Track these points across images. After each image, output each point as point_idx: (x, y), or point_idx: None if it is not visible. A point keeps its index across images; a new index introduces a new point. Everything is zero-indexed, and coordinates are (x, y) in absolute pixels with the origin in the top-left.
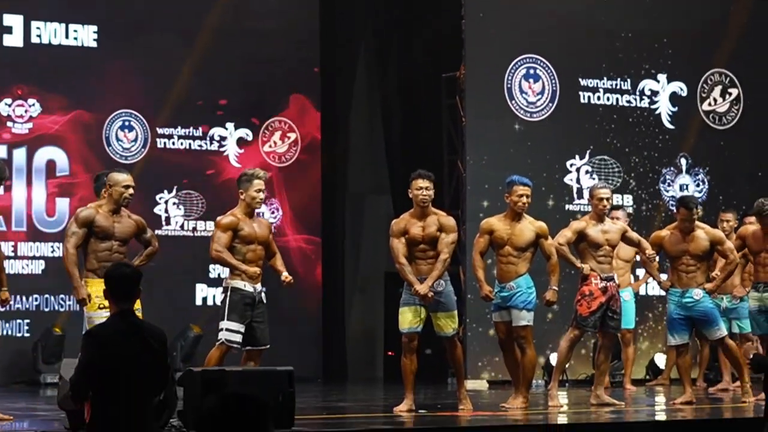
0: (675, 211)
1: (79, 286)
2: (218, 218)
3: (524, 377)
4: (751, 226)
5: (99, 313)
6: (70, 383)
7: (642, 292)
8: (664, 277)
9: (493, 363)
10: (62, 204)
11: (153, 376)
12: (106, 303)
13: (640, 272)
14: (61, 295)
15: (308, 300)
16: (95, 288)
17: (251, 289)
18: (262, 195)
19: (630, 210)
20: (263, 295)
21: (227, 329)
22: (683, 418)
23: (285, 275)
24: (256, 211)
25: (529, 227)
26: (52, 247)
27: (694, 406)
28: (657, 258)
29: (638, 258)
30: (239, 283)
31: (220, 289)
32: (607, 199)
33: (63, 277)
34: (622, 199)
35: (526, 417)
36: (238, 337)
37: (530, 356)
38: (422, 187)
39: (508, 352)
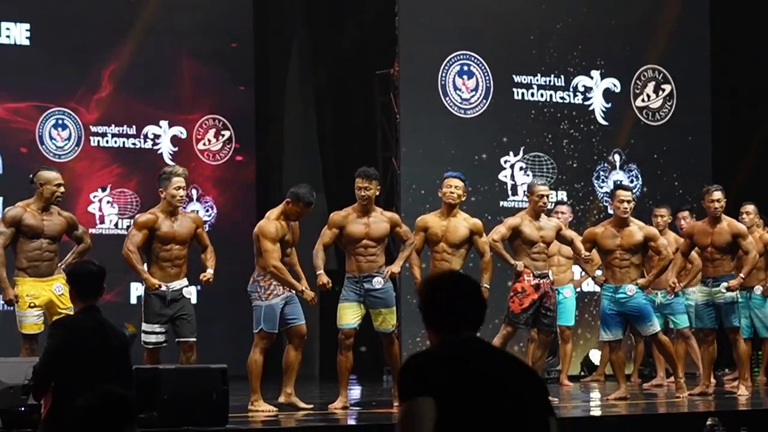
0: (611, 199)
1: (6, 287)
2: (136, 216)
3: None
4: (695, 223)
5: (30, 311)
6: (33, 372)
7: (585, 288)
8: (599, 273)
9: None
10: None
11: (114, 374)
12: (37, 302)
13: (578, 269)
14: None
15: (243, 298)
16: (26, 287)
17: (164, 289)
18: (181, 192)
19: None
20: (185, 291)
21: (144, 331)
22: (618, 413)
23: (205, 273)
24: (188, 207)
25: (463, 224)
26: None
27: (628, 402)
28: (590, 255)
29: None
30: (154, 281)
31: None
32: (547, 197)
33: None
34: (557, 195)
35: None
36: (156, 338)
37: None
38: (361, 187)
39: None
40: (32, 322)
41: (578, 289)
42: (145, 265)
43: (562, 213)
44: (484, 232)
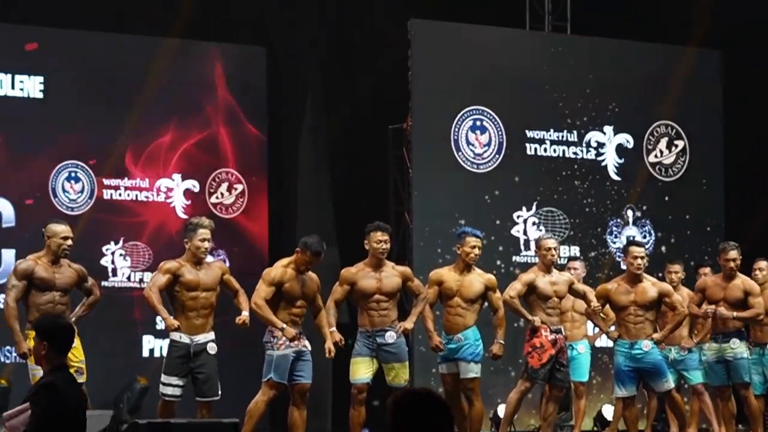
0: (624, 256)
1: (20, 341)
2: (162, 262)
3: (472, 429)
4: (709, 277)
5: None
6: None
7: (598, 344)
8: (612, 329)
9: None
10: (8, 255)
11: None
12: None
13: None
14: (6, 347)
15: (257, 353)
16: None
17: (187, 341)
18: (207, 244)
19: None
20: (209, 346)
21: (162, 383)
22: None
23: (241, 317)
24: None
25: (478, 279)
26: None
27: None
28: (599, 306)
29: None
30: (176, 335)
31: (168, 340)
32: (555, 249)
33: (7, 329)
34: (569, 251)
35: None
36: (171, 390)
37: (478, 408)
38: (381, 240)
39: (454, 404)
40: None
41: (592, 345)
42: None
43: (575, 269)
44: (497, 288)
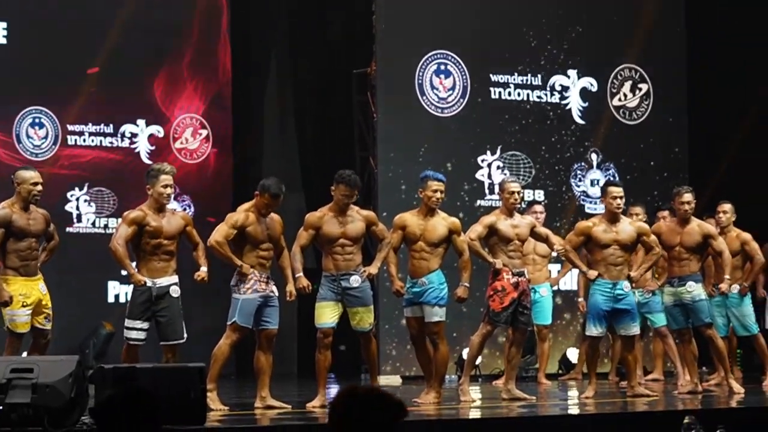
0: (602, 195)
1: (1, 289)
2: (125, 212)
3: (437, 372)
4: (664, 222)
5: (22, 311)
6: None
7: (562, 287)
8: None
9: (406, 359)
10: None
11: None
12: (28, 301)
13: (556, 267)
14: None
15: (221, 298)
16: (17, 286)
17: (150, 284)
18: (169, 190)
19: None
20: (172, 289)
21: (126, 327)
22: (594, 412)
23: (199, 272)
24: (170, 206)
25: (442, 223)
26: None
27: (606, 400)
28: (561, 248)
29: (555, 253)
30: (140, 277)
31: (132, 286)
32: (518, 193)
33: None
34: (534, 194)
35: (438, 412)
36: (136, 334)
37: (443, 352)
38: (346, 194)
39: (419, 348)
40: (23, 321)
41: (555, 288)
42: (134, 263)
43: (539, 212)
44: (462, 231)
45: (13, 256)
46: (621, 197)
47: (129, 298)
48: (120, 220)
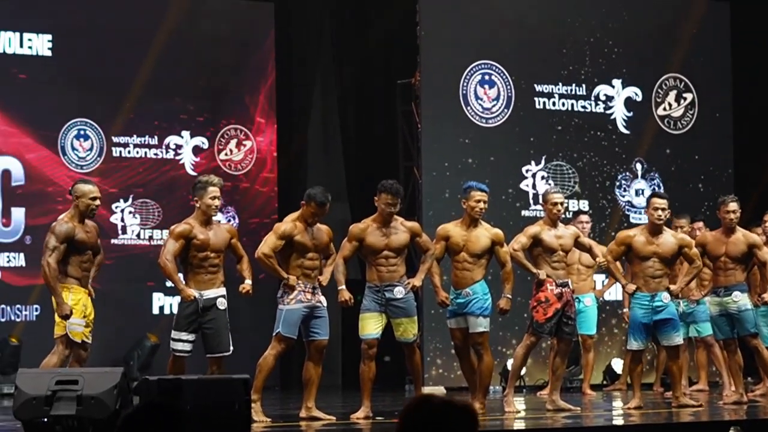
0: (647, 207)
1: (63, 302)
2: (172, 226)
3: (481, 383)
4: (709, 233)
5: (82, 321)
6: None
7: (607, 297)
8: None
9: (451, 369)
10: (17, 213)
11: None
12: (87, 312)
13: (600, 278)
14: (18, 305)
15: (266, 308)
16: (80, 296)
17: (198, 295)
18: (217, 202)
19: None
20: (219, 301)
21: (172, 338)
22: (639, 422)
23: (243, 285)
24: (215, 218)
25: (485, 234)
26: (7, 257)
27: (649, 411)
28: (603, 260)
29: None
30: (190, 291)
31: (177, 298)
32: (561, 204)
33: (19, 288)
34: (578, 204)
35: (483, 423)
36: (182, 345)
37: (487, 362)
38: (390, 204)
39: (464, 359)
40: (80, 330)
41: (600, 299)
42: (181, 275)
43: (585, 222)
44: (505, 242)
45: (76, 267)
46: (663, 209)
47: (175, 310)
48: (167, 233)
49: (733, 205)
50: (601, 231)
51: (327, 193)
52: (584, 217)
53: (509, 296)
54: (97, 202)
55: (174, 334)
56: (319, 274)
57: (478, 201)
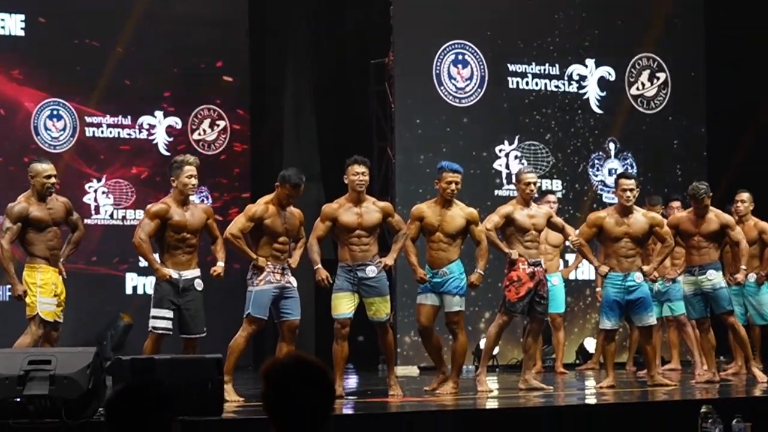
0: (615, 187)
1: (15, 283)
2: (148, 206)
3: (456, 362)
4: (681, 212)
5: (52, 299)
6: None
7: (571, 276)
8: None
9: (423, 349)
10: None
11: None
12: (56, 290)
13: (569, 257)
14: None
15: (238, 289)
16: (48, 275)
17: (176, 276)
18: (193, 181)
19: (559, 195)
20: (196, 282)
21: (153, 316)
22: (611, 401)
23: (215, 267)
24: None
25: (459, 213)
26: None
27: (623, 390)
28: (577, 240)
29: (568, 243)
30: (166, 271)
31: (151, 278)
32: (534, 184)
33: None
34: (552, 184)
35: (455, 402)
36: (163, 323)
37: (462, 341)
38: (358, 173)
39: (428, 338)
40: (52, 309)
41: (568, 278)
42: (156, 255)
43: (552, 202)
44: (479, 221)
45: (41, 246)
46: (632, 189)
47: (149, 290)
48: (143, 213)
49: (744, 195)
50: (575, 211)
51: (301, 174)
52: (551, 197)
53: (481, 272)
54: (53, 180)
55: (155, 311)
56: (289, 257)
57: (450, 182)
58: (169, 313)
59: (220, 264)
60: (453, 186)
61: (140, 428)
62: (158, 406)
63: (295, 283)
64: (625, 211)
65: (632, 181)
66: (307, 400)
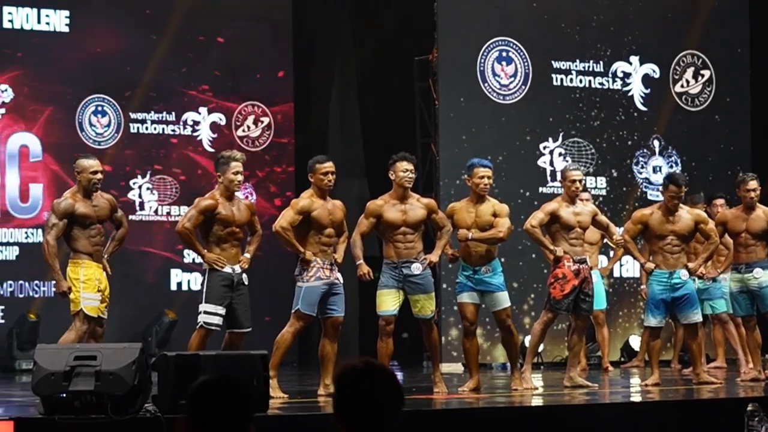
0: (663, 188)
1: (60, 279)
2: (197, 199)
3: (511, 356)
4: (728, 210)
5: (96, 295)
6: None
7: (616, 273)
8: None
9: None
10: (35, 190)
11: None
12: (101, 286)
13: (604, 256)
14: (36, 281)
15: (284, 285)
16: (92, 270)
17: (230, 271)
18: (240, 177)
19: (603, 192)
20: (244, 277)
21: (205, 311)
22: (657, 399)
23: (243, 257)
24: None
25: (490, 209)
26: (26, 233)
27: (668, 387)
28: (621, 239)
29: (606, 240)
30: (213, 256)
31: (195, 274)
32: (579, 181)
33: (37, 264)
34: (596, 182)
35: (500, 399)
36: (217, 319)
37: (516, 337)
38: (407, 170)
39: (473, 336)
40: (95, 305)
41: (608, 275)
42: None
43: (584, 200)
44: (507, 216)
45: (85, 242)
46: (679, 197)
47: (193, 286)
48: (193, 205)
49: (753, 183)
50: (619, 208)
51: (325, 156)
52: (584, 195)
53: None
54: (99, 176)
55: (208, 307)
56: (334, 252)
57: (482, 177)
58: (222, 310)
59: (247, 255)
60: (485, 180)
61: (222, 424)
62: (241, 404)
63: (342, 280)
64: (670, 208)
65: (680, 189)
66: (378, 405)
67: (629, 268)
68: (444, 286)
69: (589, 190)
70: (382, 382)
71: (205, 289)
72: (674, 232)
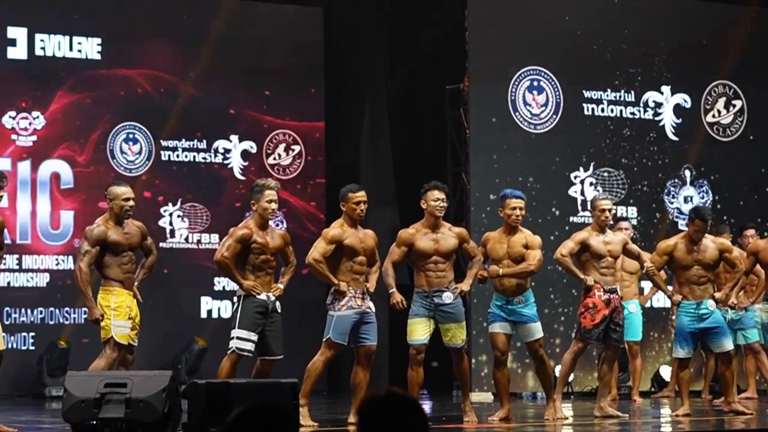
0: (689, 221)
1: (93, 306)
2: (232, 228)
3: (546, 386)
4: (761, 240)
5: (127, 322)
6: None
7: (648, 304)
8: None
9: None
10: (66, 217)
11: None
12: (131, 314)
13: (646, 285)
14: (66, 308)
15: (314, 313)
16: (123, 298)
17: (264, 298)
18: (274, 205)
19: (634, 222)
20: (277, 304)
21: (238, 337)
22: (688, 430)
23: (276, 285)
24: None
25: (522, 240)
26: (56, 260)
27: (698, 418)
28: (653, 267)
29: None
30: (251, 283)
31: (225, 301)
32: (609, 210)
33: (67, 290)
34: (627, 211)
35: (530, 429)
36: (249, 345)
37: (550, 366)
38: (439, 199)
39: (504, 367)
40: (126, 332)
41: (645, 305)
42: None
43: (625, 229)
44: (541, 249)
45: (116, 269)
46: (704, 231)
47: (224, 314)
48: (220, 236)
49: None
50: (650, 238)
51: (357, 185)
52: (624, 224)
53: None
54: (131, 203)
55: (241, 332)
56: (366, 281)
57: (514, 208)
58: (255, 337)
59: (281, 286)
60: (517, 212)
61: None
62: (283, 428)
63: (374, 309)
64: (697, 239)
65: (706, 224)
66: None
67: (659, 297)
68: (479, 313)
69: (629, 219)
70: (405, 411)
71: (238, 315)
72: (699, 262)
